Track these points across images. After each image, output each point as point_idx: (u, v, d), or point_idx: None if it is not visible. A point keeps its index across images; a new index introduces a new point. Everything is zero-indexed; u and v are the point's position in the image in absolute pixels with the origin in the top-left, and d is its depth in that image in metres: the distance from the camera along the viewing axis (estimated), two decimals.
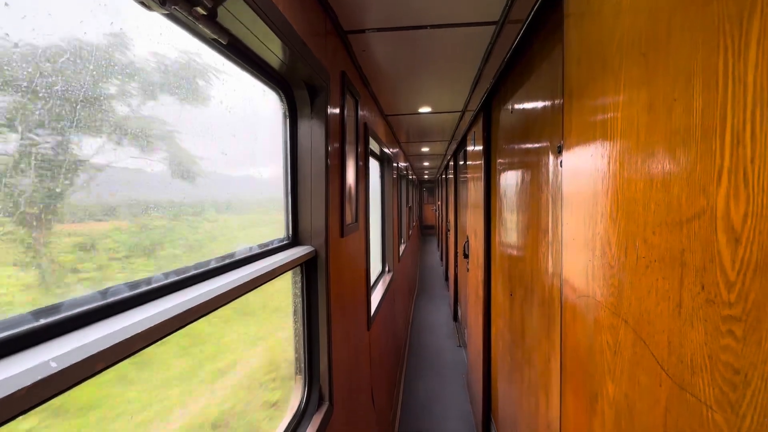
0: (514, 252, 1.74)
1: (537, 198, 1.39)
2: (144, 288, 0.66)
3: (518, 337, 1.70)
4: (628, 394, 0.68)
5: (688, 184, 0.51)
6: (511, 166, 1.82)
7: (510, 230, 1.83)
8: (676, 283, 0.54)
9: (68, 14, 0.54)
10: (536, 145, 1.40)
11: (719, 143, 0.46)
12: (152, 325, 0.57)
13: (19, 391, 0.38)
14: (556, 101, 1.16)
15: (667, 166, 0.56)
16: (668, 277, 0.56)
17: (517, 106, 1.71)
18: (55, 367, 0.43)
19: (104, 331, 0.52)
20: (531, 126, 1.47)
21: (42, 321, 0.49)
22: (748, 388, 0.43)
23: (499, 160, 2.09)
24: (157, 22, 0.71)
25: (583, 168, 0.88)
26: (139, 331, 0.55)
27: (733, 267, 0.44)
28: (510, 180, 1.82)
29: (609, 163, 0.74)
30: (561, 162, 1.06)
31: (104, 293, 0.60)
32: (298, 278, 1.37)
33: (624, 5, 0.68)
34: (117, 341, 0.51)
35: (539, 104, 1.36)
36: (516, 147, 1.72)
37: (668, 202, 0.55)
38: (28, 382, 0.39)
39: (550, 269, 1.24)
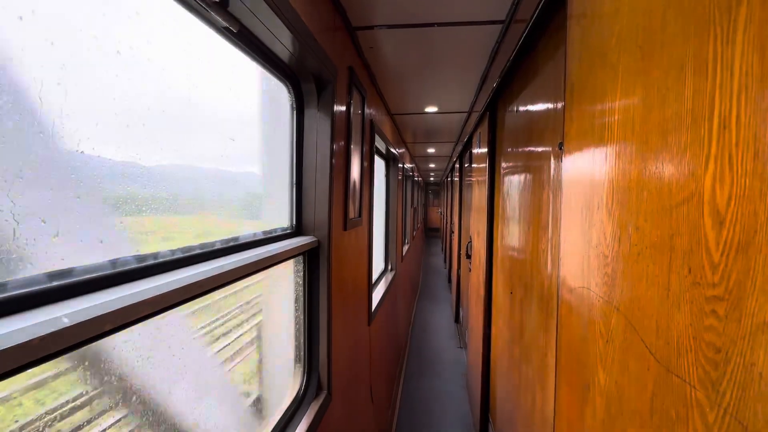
0: (516, 250, 1.75)
1: (538, 196, 1.40)
2: (151, 261, 0.69)
3: (517, 335, 1.71)
4: (618, 381, 0.70)
5: (678, 171, 0.53)
6: (514, 166, 1.83)
7: (512, 229, 1.84)
8: (665, 267, 0.56)
9: None
10: (539, 145, 1.41)
11: (707, 129, 0.47)
12: (159, 293, 0.60)
13: (33, 339, 0.41)
14: (559, 101, 1.18)
15: (660, 153, 0.57)
16: (658, 262, 0.58)
17: (521, 108, 1.73)
18: (66, 322, 0.45)
19: (113, 296, 0.54)
20: (534, 126, 1.48)
21: (55, 283, 0.52)
22: (728, 365, 0.44)
23: (503, 159, 2.11)
24: (169, 5, 0.73)
25: (581, 161, 0.89)
26: (146, 298, 0.57)
27: (717, 248, 0.46)
28: (513, 179, 1.84)
29: (606, 154, 0.76)
30: (561, 158, 1.07)
31: (113, 263, 0.62)
32: (300, 267, 1.39)
33: (624, 1, 0.70)
34: (125, 305, 0.53)
35: (543, 105, 1.38)
36: (520, 146, 1.73)
37: (659, 189, 0.57)
38: (42, 333, 0.42)
39: (549, 265, 1.25)
